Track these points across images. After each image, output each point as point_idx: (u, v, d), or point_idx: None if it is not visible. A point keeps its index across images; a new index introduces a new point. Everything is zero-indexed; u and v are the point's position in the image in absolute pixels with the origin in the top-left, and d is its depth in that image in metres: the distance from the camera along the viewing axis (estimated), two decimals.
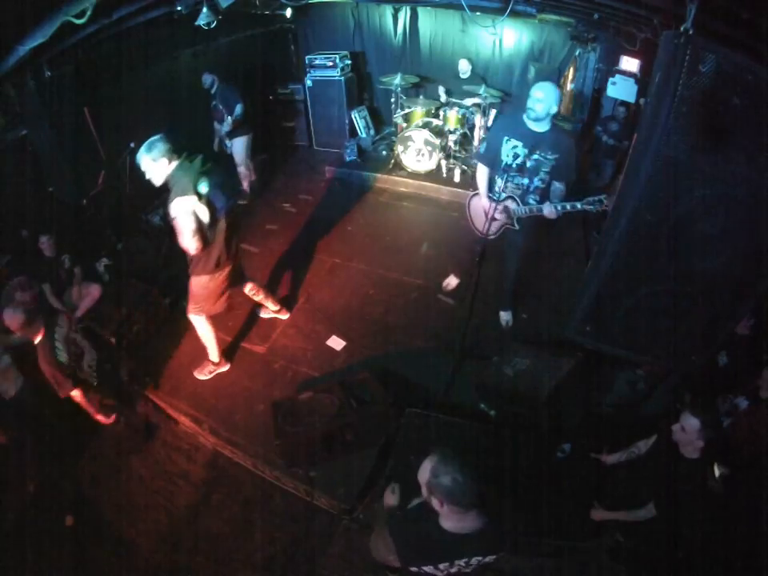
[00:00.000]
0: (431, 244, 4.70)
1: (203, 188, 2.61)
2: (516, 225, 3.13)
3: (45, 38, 2.39)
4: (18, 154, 3.51)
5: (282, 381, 3.41)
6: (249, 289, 3.44)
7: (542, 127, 2.87)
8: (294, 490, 2.84)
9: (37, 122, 3.33)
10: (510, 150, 2.94)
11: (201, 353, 3.40)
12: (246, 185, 5.43)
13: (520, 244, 3.31)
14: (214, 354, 3.38)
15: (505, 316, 3.74)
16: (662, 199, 1.66)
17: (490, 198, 3.09)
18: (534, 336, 3.55)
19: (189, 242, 2.63)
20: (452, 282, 4.01)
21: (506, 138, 2.98)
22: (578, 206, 2.79)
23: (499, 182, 2.93)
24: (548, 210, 2.88)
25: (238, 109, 4.94)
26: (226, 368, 3.50)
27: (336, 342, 3.68)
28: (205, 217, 2.66)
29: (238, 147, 5.23)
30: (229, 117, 4.94)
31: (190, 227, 2.59)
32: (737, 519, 2.19)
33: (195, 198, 2.57)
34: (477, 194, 3.31)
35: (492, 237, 3.18)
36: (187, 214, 2.56)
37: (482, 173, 3.19)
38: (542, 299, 3.90)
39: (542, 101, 2.77)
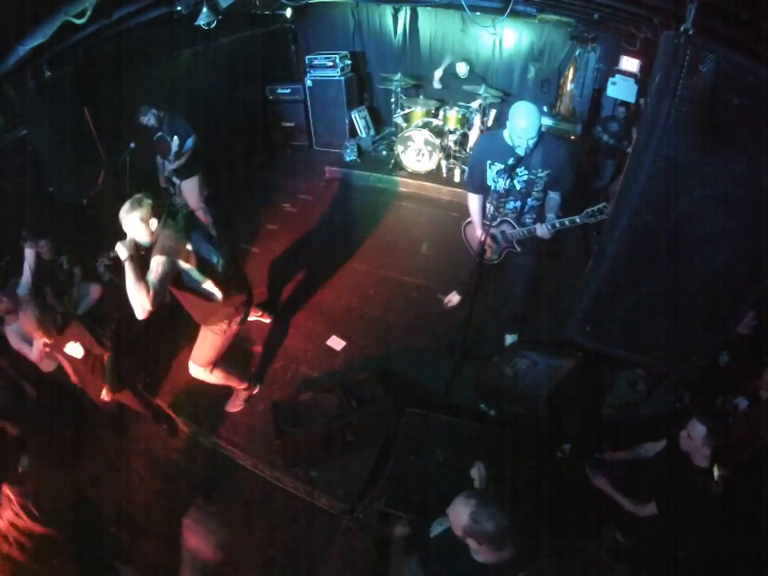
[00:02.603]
0: (431, 244, 4.70)
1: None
2: (517, 247, 2.99)
3: (45, 38, 2.39)
4: (18, 154, 3.51)
5: (282, 381, 3.41)
6: None
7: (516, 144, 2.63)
8: (294, 490, 2.84)
9: (37, 122, 3.33)
10: (497, 175, 2.71)
11: None
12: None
13: (525, 266, 3.14)
14: (238, 384, 3.13)
15: (510, 339, 3.57)
16: (662, 199, 1.66)
17: (484, 224, 2.85)
18: (534, 336, 3.55)
19: (146, 299, 2.11)
20: (454, 299, 3.81)
21: (489, 162, 2.76)
22: (577, 220, 2.60)
23: (490, 208, 2.72)
24: (540, 231, 2.72)
25: (190, 142, 4.32)
26: (256, 390, 3.27)
27: (336, 342, 3.67)
28: (196, 273, 2.37)
29: (189, 189, 4.54)
30: (175, 148, 4.27)
31: (165, 282, 2.22)
32: (737, 519, 2.18)
33: (187, 252, 2.31)
34: (471, 221, 3.15)
35: (495, 261, 3.13)
36: (171, 267, 2.24)
37: (471, 200, 3.00)
38: (541, 299, 3.90)
39: (531, 131, 2.49)
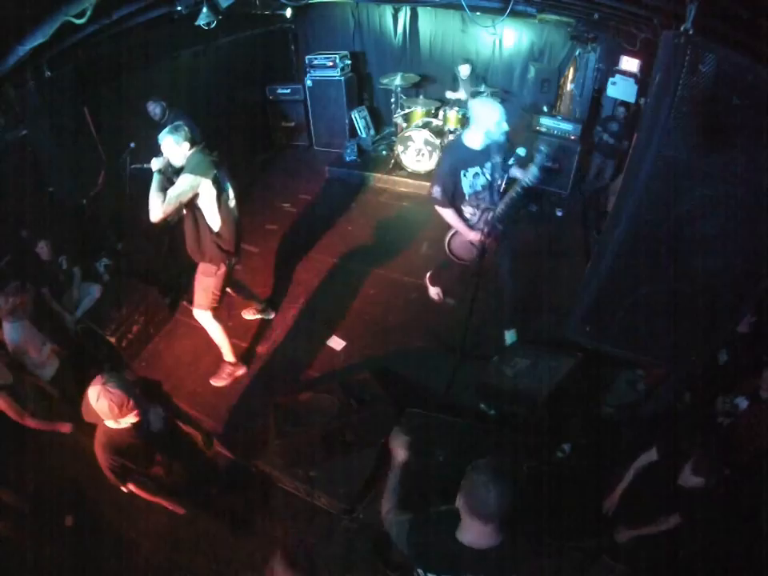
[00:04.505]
0: (431, 244, 4.70)
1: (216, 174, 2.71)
2: (499, 225, 3.04)
3: (45, 38, 2.39)
4: (18, 154, 3.51)
5: (282, 381, 3.41)
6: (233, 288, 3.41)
7: (485, 141, 2.82)
8: (294, 490, 2.84)
9: (37, 122, 3.33)
10: (472, 179, 2.89)
11: (202, 354, 3.39)
12: None
13: (508, 243, 3.20)
14: (228, 353, 3.29)
15: (510, 336, 3.56)
16: (662, 199, 1.66)
17: (475, 228, 2.96)
18: (534, 336, 3.55)
19: (160, 207, 2.60)
20: (449, 301, 3.84)
21: (462, 172, 2.89)
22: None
23: (470, 210, 2.88)
24: (524, 175, 2.79)
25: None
26: (243, 370, 3.40)
27: (336, 342, 3.68)
28: (211, 201, 2.71)
29: None
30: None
31: (181, 198, 2.60)
32: (737, 519, 2.18)
33: (209, 182, 2.64)
34: (455, 233, 3.16)
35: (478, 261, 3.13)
36: (192, 188, 2.60)
37: (447, 213, 3.03)
38: (541, 299, 3.90)
39: (504, 115, 2.72)
